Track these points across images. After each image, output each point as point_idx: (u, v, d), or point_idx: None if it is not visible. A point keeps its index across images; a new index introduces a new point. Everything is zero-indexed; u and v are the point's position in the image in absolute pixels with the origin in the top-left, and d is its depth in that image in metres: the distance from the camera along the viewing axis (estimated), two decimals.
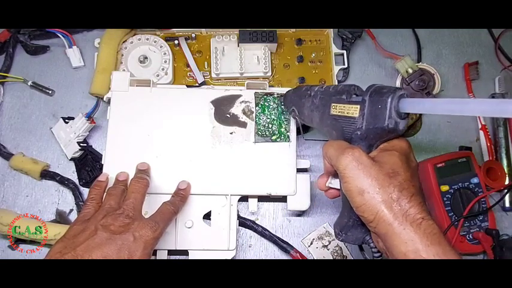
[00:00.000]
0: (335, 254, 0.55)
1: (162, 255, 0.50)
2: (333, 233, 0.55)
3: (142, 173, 0.48)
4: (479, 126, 0.60)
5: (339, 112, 0.39)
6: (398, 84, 0.61)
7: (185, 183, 0.50)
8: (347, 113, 0.38)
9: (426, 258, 0.31)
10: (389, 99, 0.34)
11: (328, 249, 0.55)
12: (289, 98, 0.50)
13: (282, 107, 0.53)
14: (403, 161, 0.36)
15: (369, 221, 0.34)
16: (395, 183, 0.34)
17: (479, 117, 0.61)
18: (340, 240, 0.41)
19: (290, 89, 0.51)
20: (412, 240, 0.32)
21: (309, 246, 0.55)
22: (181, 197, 0.48)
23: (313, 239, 0.55)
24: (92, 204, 0.44)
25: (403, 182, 0.34)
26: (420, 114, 0.60)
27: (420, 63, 0.61)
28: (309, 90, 0.45)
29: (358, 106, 0.37)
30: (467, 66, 0.62)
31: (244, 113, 0.53)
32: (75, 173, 0.56)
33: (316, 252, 0.55)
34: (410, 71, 0.59)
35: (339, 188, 0.40)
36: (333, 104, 0.40)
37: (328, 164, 0.39)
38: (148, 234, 0.40)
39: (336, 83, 0.59)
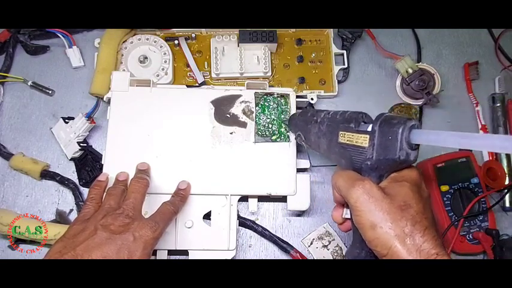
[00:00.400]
0: (335, 254, 0.55)
1: (162, 255, 0.50)
2: (333, 233, 0.55)
3: (142, 173, 0.48)
4: (479, 126, 0.60)
5: (347, 140, 0.39)
6: (398, 84, 0.61)
7: (185, 183, 0.50)
8: (356, 142, 0.38)
9: None
10: (400, 130, 0.34)
11: (328, 249, 0.55)
12: (295, 122, 0.49)
13: (283, 106, 0.53)
14: (414, 191, 0.35)
15: (382, 255, 0.34)
16: (408, 216, 0.33)
17: (479, 116, 0.61)
18: None
19: (295, 113, 0.50)
20: None
21: (309, 246, 0.55)
22: (181, 197, 0.48)
23: (313, 239, 0.55)
24: (92, 204, 0.44)
25: (416, 215, 0.33)
26: (420, 118, 0.60)
27: (420, 64, 0.61)
28: (315, 115, 0.44)
29: (368, 136, 0.36)
30: (467, 66, 0.62)
31: (244, 113, 0.53)
32: (75, 173, 0.56)
33: (316, 252, 0.55)
34: (410, 71, 0.59)
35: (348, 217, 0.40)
36: (340, 132, 0.40)
37: (338, 194, 0.38)
38: (148, 234, 0.39)
39: (336, 83, 0.59)
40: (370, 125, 0.37)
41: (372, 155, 0.36)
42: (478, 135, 0.30)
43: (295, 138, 0.50)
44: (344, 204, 0.41)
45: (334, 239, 0.55)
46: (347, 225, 0.42)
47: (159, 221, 0.41)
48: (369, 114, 0.39)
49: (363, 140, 0.37)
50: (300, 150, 0.56)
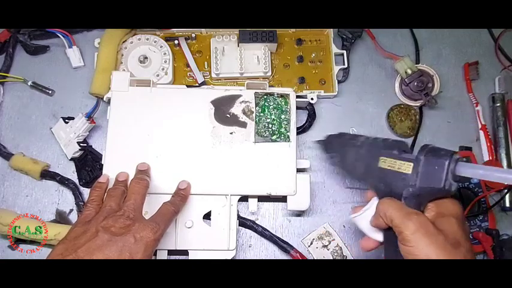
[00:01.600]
0: (335, 254, 0.55)
1: (162, 255, 0.50)
2: (333, 233, 0.55)
3: (143, 173, 0.48)
4: (479, 126, 0.60)
5: (388, 166, 0.40)
6: (397, 84, 0.61)
7: (185, 183, 0.50)
8: (398, 169, 0.39)
9: None
10: (447, 162, 0.35)
11: (328, 249, 0.55)
12: (332, 144, 0.50)
13: (283, 106, 0.53)
14: (461, 229, 0.36)
15: None
16: (461, 255, 0.34)
17: (479, 116, 0.61)
18: None
19: (331, 134, 0.51)
20: None
21: (309, 246, 0.55)
22: (181, 197, 0.48)
23: (313, 239, 0.55)
24: (93, 206, 0.44)
25: (467, 254, 0.35)
26: (420, 119, 0.60)
27: (419, 65, 0.61)
28: (354, 139, 0.46)
29: (412, 164, 0.38)
30: (467, 66, 0.62)
31: (244, 113, 0.53)
32: (75, 173, 0.56)
33: (316, 252, 0.55)
34: (409, 71, 0.59)
35: (381, 240, 0.42)
36: (382, 158, 0.41)
37: (386, 223, 0.39)
38: (149, 235, 0.40)
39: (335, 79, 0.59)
40: (414, 154, 0.38)
41: (415, 181, 0.37)
42: None
43: (329, 159, 0.51)
44: (377, 229, 0.42)
45: (334, 239, 0.55)
46: (371, 244, 0.44)
47: (160, 222, 0.41)
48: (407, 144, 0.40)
49: (406, 167, 0.38)
50: (300, 150, 0.56)
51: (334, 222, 0.56)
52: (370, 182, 0.43)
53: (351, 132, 0.59)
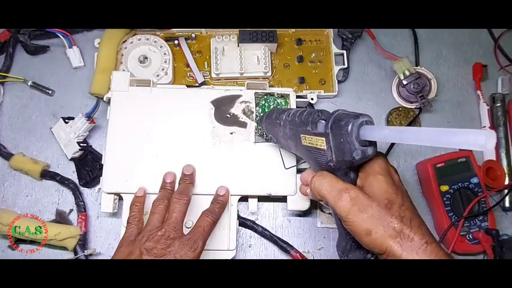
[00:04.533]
0: (335, 225, 0.55)
1: None
2: None
3: (187, 177, 0.49)
4: (488, 125, 0.60)
5: (308, 143, 0.39)
6: (394, 85, 0.61)
7: (224, 189, 0.50)
8: (316, 145, 0.37)
9: None
10: (349, 130, 0.33)
11: (332, 216, 0.55)
12: (265, 126, 0.49)
13: (283, 106, 0.53)
14: (390, 183, 0.36)
15: (379, 254, 0.35)
16: (395, 214, 0.35)
17: (489, 116, 0.60)
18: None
19: (263, 114, 0.50)
20: None
21: (320, 200, 0.56)
22: (220, 203, 0.49)
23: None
24: (135, 223, 0.45)
25: (400, 210, 0.35)
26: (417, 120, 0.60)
27: (418, 67, 0.61)
28: (278, 119, 0.44)
29: (324, 138, 0.36)
30: (479, 66, 0.62)
31: (244, 113, 0.53)
32: (75, 173, 0.56)
33: (321, 214, 0.55)
34: (407, 73, 0.59)
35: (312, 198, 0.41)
36: (301, 135, 0.39)
37: (318, 197, 0.38)
38: (188, 254, 0.41)
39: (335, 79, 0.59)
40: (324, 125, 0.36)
41: (331, 156, 0.36)
42: (417, 129, 0.30)
43: (268, 141, 0.51)
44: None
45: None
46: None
47: (198, 239, 0.43)
48: (327, 110, 0.38)
49: (321, 143, 0.37)
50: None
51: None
52: (303, 159, 0.42)
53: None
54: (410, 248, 0.33)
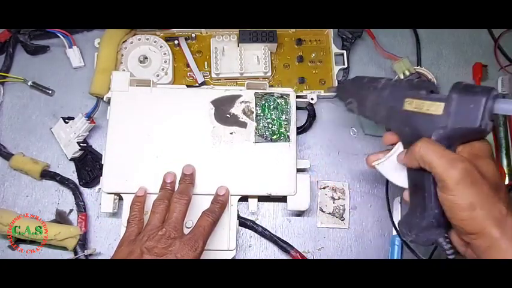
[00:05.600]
0: (335, 211, 0.55)
1: None
2: (347, 196, 0.55)
3: (187, 177, 0.49)
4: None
5: (414, 108, 0.37)
6: None
7: (223, 189, 0.50)
8: (426, 110, 0.36)
9: None
10: (484, 99, 0.33)
11: (333, 203, 0.56)
12: (347, 88, 0.47)
13: (283, 106, 0.53)
14: (497, 169, 0.36)
15: (469, 233, 0.34)
16: (503, 198, 0.34)
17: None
18: (409, 241, 0.39)
19: (345, 79, 0.49)
20: None
21: (321, 188, 0.56)
22: (220, 203, 0.48)
23: (328, 186, 0.56)
24: (135, 222, 0.45)
25: (505, 196, 0.34)
26: None
27: (418, 67, 0.61)
28: (374, 82, 0.43)
29: (443, 104, 0.35)
30: (479, 65, 0.62)
31: (244, 113, 0.53)
32: (75, 173, 0.56)
33: (322, 197, 0.56)
34: (407, 73, 0.59)
35: (384, 174, 0.40)
36: (407, 99, 0.38)
37: (420, 165, 0.37)
38: (189, 254, 0.41)
39: (336, 83, 0.59)
40: (443, 94, 0.35)
41: (446, 123, 0.35)
42: None
43: (346, 105, 0.47)
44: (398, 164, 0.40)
45: (344, 199, 0.56)
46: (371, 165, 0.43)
47: (199, 238, 0.43)
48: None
49: (436, 108, 0.36)
50: (300, 150, 0.56)
51: (355, 181, 0.57)
52: (392, 126, 0.40)
53: (351, 133, 0.58)
54: (510, 235, 0.32)
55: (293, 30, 0.61)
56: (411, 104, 0.38)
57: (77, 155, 0.55)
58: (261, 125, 0.53)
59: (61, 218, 0.54)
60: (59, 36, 0.59)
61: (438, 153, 0.35)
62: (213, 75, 0.58)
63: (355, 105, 0.45)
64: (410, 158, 0.38)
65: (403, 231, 0.39)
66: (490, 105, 0.33)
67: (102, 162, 0.51)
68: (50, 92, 0.59)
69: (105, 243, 0.54)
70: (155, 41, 0.58)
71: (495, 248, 0.32)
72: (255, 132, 0.52)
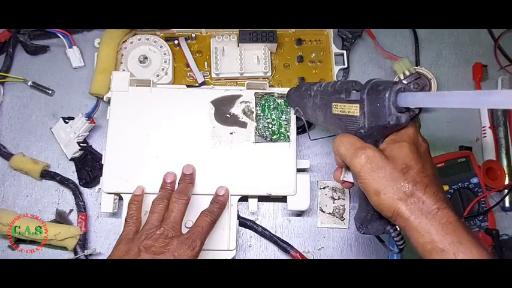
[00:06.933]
0: (335, 211, 0.56)
1: None
2: (347, 196, 0.56)
3: (187, 177, 0.49)
4: (488, 125, 0.60)
5: (340, 111, 0.39)
6: None
7: (223, 189, 0.50)
8: (348, 112, 0.38)
9: (442, 248, 0.32)
10: (386, 95, 0.34)
11: (333, 203, 0.56)
12: (292, 98, 0.50)
13: (283, 107, 0.53)
14: (413, 151, 0.36)
15: (388, 217, 0.35)
16: (409, 178, 0.34)
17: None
18: (362, 233, 0.41)
19: (292, 88, 0.51)
20: (428, 232, 0.33)
21: (321, 188, 0.56)
22: (219, 203, 0.48)
23: (328, 186, 0.57)
24: (133, 221, 0.45)
25: (416, 176, 0.35)
26: (418, 113, 0.60)
27: (418, 67, 0.61)
28: (309, 89, 0.45)
29: (358, 105, 0.37)
30: (479, 65, 0.62)
31: (244, 113, 0.53)
32: (75, 173, 0.56)
33: (322, 197, 0.56)
34: (407, 73, 0.59)
35: (352, 181, 0.41)
36: (333, 104, 0.40)
37: (340, 160, 0.39)
38: (186, 253, 0.41)
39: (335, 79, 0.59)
40: (359, 93, 0.37)
41: (364, 123, 0.36)
42: (455, 93, 0.31)
43: (295, 113, 0.52)
44: (344, 166, 0.41)
45: (344, 199, 0.56)
46: (347, 184, 0.43)
47: (197, 238, 0.43)
48: (360, 82, 0.39)
49: (354, 109, 0.37)
50: (300, 150, 0.56)
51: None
52: (331, 129, 0.43)
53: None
54: (420, 211, 0.33)
55: (293, 30, 0.61)
56: (337, 108, 0.40)
57: (77, 155, 0.55)
58: (261, 125, 0.53)
59: (61, 218, 0.54)
60: (59, 36, 0.59)
61: (349, 144, 0.37)
62: (213, 75, 0.58)
63: (301, 113, 0.48)
64: (335, 157, 0.40)
65: (357, 225, 0.41)
66: (393, 101, 0.34)
67: (102, 162, 0.51)
68: (50, 92, 0.59)
69: (105, 243, 0.54)
70: (155, 41, 0.58)
71: (409, 227, 0.34)
72: (255, 132, 0.52)
